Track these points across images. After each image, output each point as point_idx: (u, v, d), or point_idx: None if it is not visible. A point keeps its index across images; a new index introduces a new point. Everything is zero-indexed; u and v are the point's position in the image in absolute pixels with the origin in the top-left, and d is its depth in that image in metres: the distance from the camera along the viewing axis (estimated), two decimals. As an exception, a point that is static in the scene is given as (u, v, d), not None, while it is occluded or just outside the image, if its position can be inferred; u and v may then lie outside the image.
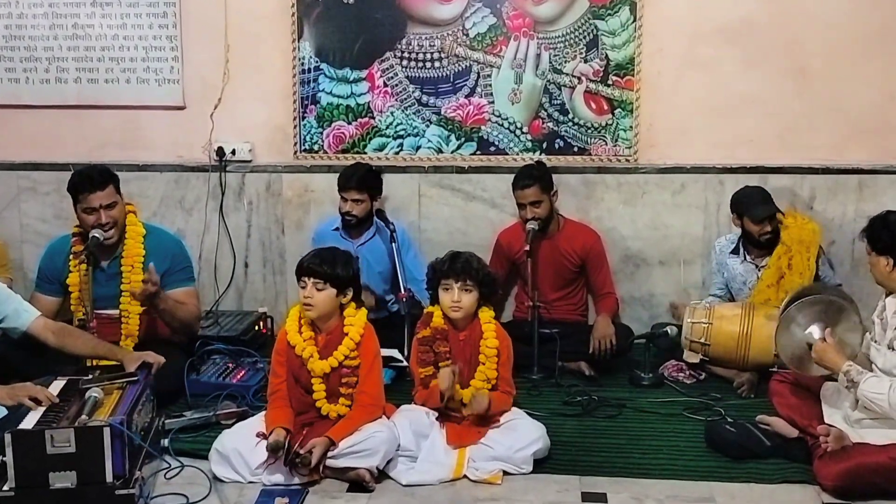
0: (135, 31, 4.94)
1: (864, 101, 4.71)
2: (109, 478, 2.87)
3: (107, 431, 2.87)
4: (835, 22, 4.66)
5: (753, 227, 4.38)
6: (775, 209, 4.40)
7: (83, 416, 2.98)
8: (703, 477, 3.32)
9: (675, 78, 4.77)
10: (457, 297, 3.54)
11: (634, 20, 4.71)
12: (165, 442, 3.46)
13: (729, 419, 3.71)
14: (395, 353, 4.21)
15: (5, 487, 2.85)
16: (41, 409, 3.05)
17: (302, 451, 3.19)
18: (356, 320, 3.46)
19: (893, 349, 3.25)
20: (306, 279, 3.40)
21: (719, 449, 3.51)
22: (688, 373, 4.34)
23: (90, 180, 3.92)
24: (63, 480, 2.85)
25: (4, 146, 5.10)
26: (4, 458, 2.85)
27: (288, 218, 5.06)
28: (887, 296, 3.44)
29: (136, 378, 3.39)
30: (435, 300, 3.64)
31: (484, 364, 3.55)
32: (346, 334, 3.43)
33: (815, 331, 3.41)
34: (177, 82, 4.97)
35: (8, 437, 2.84)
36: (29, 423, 2.97)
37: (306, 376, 3.43)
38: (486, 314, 3.64)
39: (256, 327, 4.73)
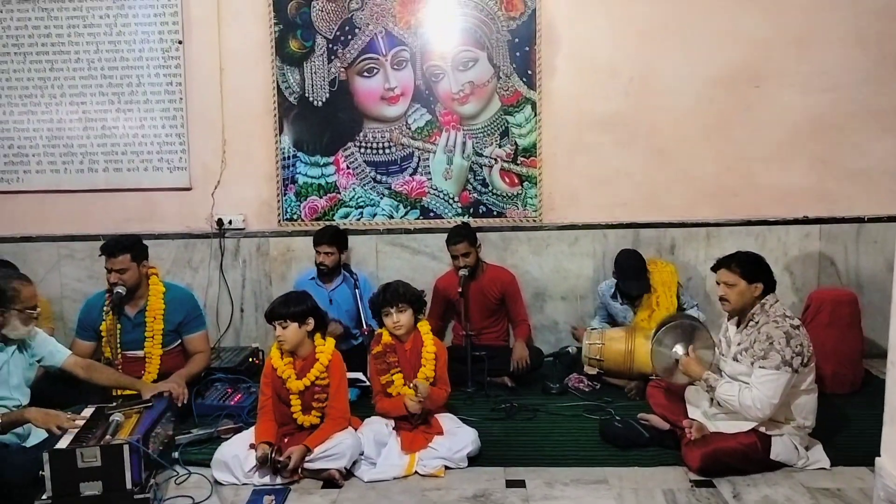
0: (151, 130, 4.85)
1: (706, 172, 4.80)
2: (129, 485, 2.76)
3: (126, 448, 2.76)
4: (683, 115, 4.76)
5: (623, 290, 4.41)
6: (643, 289, 4.34)
7: (107, 437, 2.86)
8: (598, 464, 3.31)
9: (567, 158, 4.82)
10: (395, 319, 3.51)
11: (535, 115, 4.77)
12: (176, 454, 3.34)
13: (617, 418, 3.70)
14: (360, 375, 4.13)
15: (44, 496, 2.72)
16: (72, 433, 2.92)
17: (282, 459, 3.11)
18: (325, 348, 3.41)
19: (737, 360, 3.28)
20: (274, 323, 3.36)
21: (610, 441, 3.50)
22: (587, 383, 4.32)
23: (108, 248, 3.85)
24: (91, 489, 2.74)
25: (48, 222, 4.94)
26: (43, 473, 2.72)
27: (274, 272, 4.96)
28: (728, 320, 3.49)
29: (151, 404, 3.28)
30: (382, 324, 3.61)
31: (425, 366, 3.51)
32: (318, 359, 3.37)
33: (678, 349, 3.42)
34: (184, 169, 4.88)
35: (46, 456, 2.72)
36: (63, 443, 2.84)
37: (286, 393, 3.35)
38: (425, 326, 3.62)
39: (250, 359, 4.58)
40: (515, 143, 4.80)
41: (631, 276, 4.33)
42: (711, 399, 3.37)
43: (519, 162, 4.82)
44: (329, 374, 3.38)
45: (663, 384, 3.72)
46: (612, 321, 4.59)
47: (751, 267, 3.28)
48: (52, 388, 3.61)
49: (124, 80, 4.81)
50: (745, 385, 3.16)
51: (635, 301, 4.44)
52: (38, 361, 3.36)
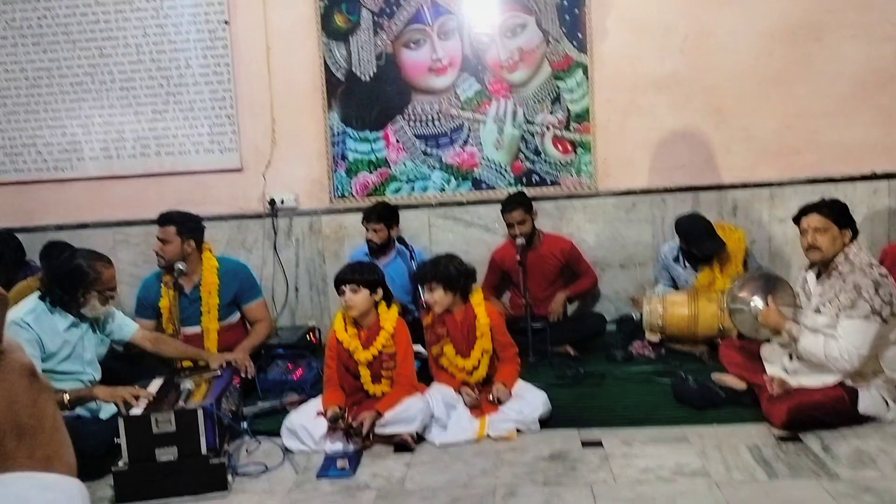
0: (201, 112, 4.85)
1: (767, 130, 4.64)
2: (204, 450, 2.74)
3: (200, 412, 2.74)
4: (740, 71, 4.61)
5: (696, 252, 4.25)
6: (719, 246, 4.18)
7: (180, 403, 2.85)
8: (675, 423, 3.21)
9: (621, 122, 4.70)
10: (427, 297, 3.45)
11: (587, 79, 4.66)
12: (245, 424, 3.32)
13: (691, 378, 3.59)
14: (419, 347, 4.06)
15: (120, 463, 2.71)
16: (144, 402, 2.92)
17: (354, 424, 3.07)
18: (389, 316, 3.36)
19: (819, 312, 3.15)
20: (344, 287, 3.30)
21: (685, 401, 3.39)
22: (651, 349, 4.22)
23: (160, 218, 3.92)
24: (167, 455, 2.72)
25: (102, 208, 4.98)
26: (118, 440, 2.71)
27: (327, 250, 4.94)
28: (806, 270, 3.36)
29: (219, 373, 3.27)
30: None
31: (480, 338, 3.44)
32: (383, 328, 3.32)
33: (757, 300, 3.30)
34: (235, 150, 4.88)
35: (121, 422, 2.71)
36: (137, 410, 2.84)
37: (354, 365, 3.31)
38: (477, 297, 3.53)
39: (307, 337, 4.57)
40: (567, 109, 4.70)
41: (704, 236, 4.18)
42: (791, 354, 3.25)
43: (572, 128, 4.72)
44: (395, 342, 3.33)
45: (736, 343, 3.61)
46: (675, 286, 4.47)
47: (842, 211, 3.15)
48: (118, 365, 3.63)
49: (172, 63, 4.82)
50: (830, 336, 3.03)
51: (699, 265, 4.31)
52: (108, 336, 3.38)
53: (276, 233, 4.91)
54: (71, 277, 3.09)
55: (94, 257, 3.18)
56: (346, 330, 3.37)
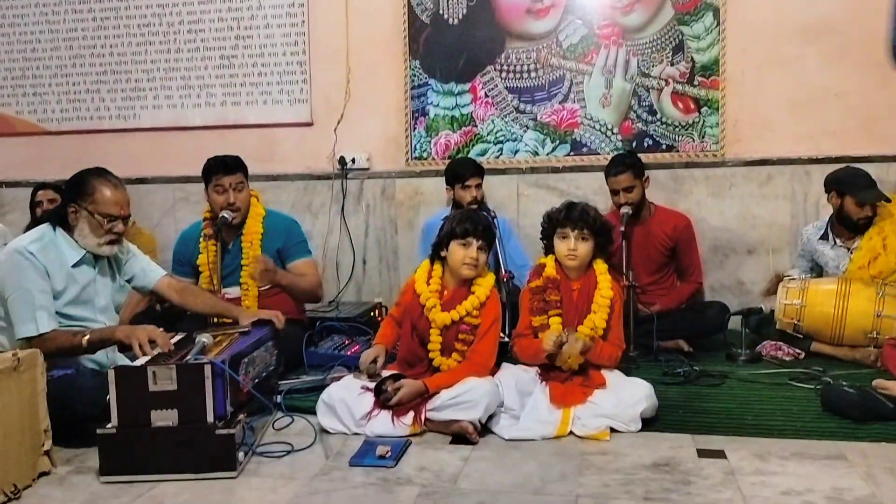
0: (271, 59, 4.44)
1: (948, 90, 3.79)
2: (210, 418, 2.21)
3: (208, 369, 2.21)
4: (915, 17, 3.78)
5: (854, 209, 3.42)
6: (883, 195, 3.41)
7: (189, 357, 2.34)
8: (826, 436, 2.44)
9: (758, 76, 3.95)
10: (573, 246, 2.78)
11: (718, 24, 3.94)
12: (279, 398, 2.80)
13: (844, 383, 2.80)
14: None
15: (108, 426, 2.22)
16: (154, 352, 2.43)
17: (389, 389, 2.49)
18: (485, 281, 2.76)
19: None
20: (472, 240, 2.72)
21: (838, 412, 2.61)
22: (787, 351, 3.43)
23: (224, 164, 3.43)
24: (164, 419, 2.21)
25: (164, 162, 4.63)
26: (110, 397, 2.23)
27: (400, 218, 4.40)
28: None
29: (248, 330, 2.75)
30: (549, 250, 2.89)
31: (595, 313, 2.74)
32: (473, 292, 2.73)
33: None
34: (305, 102, 4.43)
35: (112, 374, 2.22)
36: (137, 363, 2.35)
37: (425, 326, 2.74)
38: (601, 266, 2.84)
39: (372, 314, 4.05)
40: (692, 59, 3.98)
41: (865, 184, 3.40)
42: None
43: (696, 83, 3.99)
44: (482, 314, 2.73)
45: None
46: (819, 273, 3.65)
47: None
48: (151, 324, 3.21)
49: (244, 3, 4.43)
50: None
51: (855, 237, 3.48)
52: (129, 281, 2.93)
53: (344, 197, 4.42)
54: (68, 187, 2.69)
55: (102, 173, 2.74)
56: (428, 282, 2.80)
